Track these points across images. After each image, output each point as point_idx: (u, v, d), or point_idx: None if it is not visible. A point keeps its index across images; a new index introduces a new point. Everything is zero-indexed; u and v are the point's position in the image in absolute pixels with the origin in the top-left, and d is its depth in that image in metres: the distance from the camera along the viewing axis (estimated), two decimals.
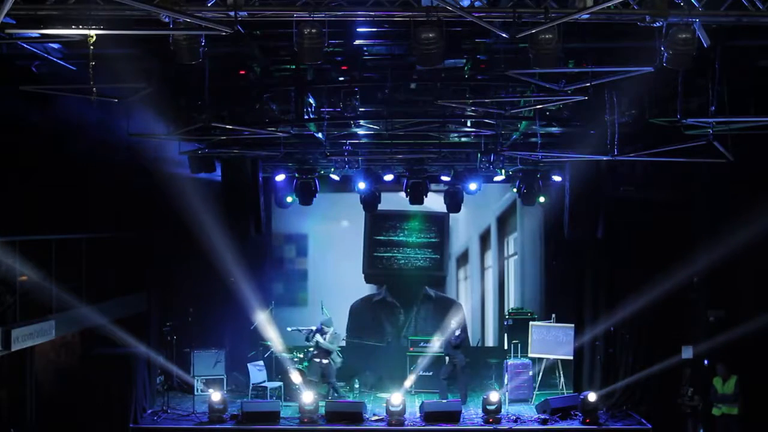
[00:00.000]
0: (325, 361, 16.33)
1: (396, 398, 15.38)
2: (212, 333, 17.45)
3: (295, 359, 16.89)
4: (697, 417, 14.73)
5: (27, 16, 7.63)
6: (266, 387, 16.63)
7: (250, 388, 16.63)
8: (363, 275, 19.27)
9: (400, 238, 19.35)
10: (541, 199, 18.17)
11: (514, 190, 18.11)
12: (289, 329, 17.12)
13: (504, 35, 7.70)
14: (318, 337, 16.38)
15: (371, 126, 14.12)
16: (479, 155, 16.33)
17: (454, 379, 16.60)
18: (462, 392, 16.46)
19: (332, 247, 19.23)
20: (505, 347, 18.03)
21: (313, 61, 8.07)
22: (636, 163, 14.57)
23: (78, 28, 7.78)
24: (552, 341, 16.96)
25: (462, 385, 16.57)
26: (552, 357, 17.02)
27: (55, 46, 9.57)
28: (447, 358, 16.68)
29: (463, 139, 15.72)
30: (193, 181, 15.37)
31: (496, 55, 10.20)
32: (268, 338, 17.19)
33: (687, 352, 15.30)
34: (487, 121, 13.43)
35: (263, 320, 17.35)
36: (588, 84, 10.07)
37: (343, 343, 17.92)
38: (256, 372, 16.79)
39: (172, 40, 7.99)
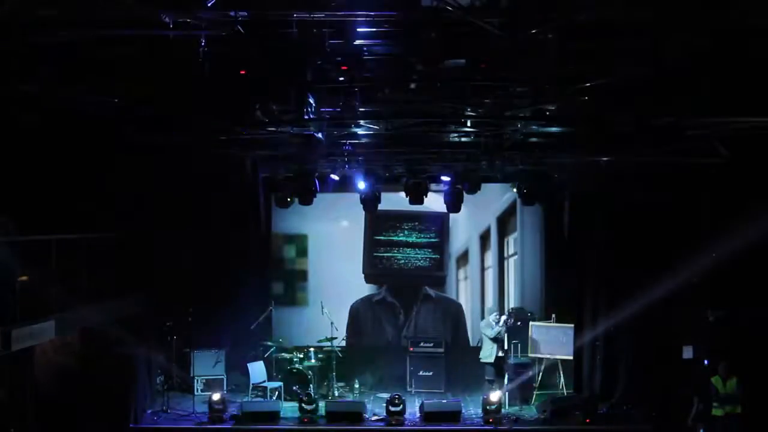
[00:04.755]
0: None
1: (397, 398, 15.37)
2: (212, 333, 17.41)
3: (296, 359, 16.87)
4: (698, 417, 14.72)
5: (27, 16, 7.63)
6: (266, 387, 16.62)
7: (250, 388, 16.63)
8: (363, 275, 19.24)
9: (400, 238, 19.31)
10: (541, 200, 18.13)
11: (514, 190, 18.08)
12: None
13: (504, 35, 7.70)
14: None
15: (371, 126, 14.10)
16: (479, 155, 16.30)
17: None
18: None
19: (332, 247, 19.18)
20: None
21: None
22: (636, 163, 14.57)
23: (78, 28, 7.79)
24: (552, 341, 16.96)
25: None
26: (552, 357, 17.01)
27: None
28: None
29: (463, 139, 15.70)
30: (193, 181, 15.37)
31: (496, 55, 10.19)
32: (268, 338, 17.19)
33: (687, 352, 15.29)
34: (487, 121, 13.41)
35: (263, 320, 17.34)
36: (588, 84, 10.07)
37: (343, 343, 17.92)
38: (256, 372, 16.78)
39: (172, 40, 7.99)
